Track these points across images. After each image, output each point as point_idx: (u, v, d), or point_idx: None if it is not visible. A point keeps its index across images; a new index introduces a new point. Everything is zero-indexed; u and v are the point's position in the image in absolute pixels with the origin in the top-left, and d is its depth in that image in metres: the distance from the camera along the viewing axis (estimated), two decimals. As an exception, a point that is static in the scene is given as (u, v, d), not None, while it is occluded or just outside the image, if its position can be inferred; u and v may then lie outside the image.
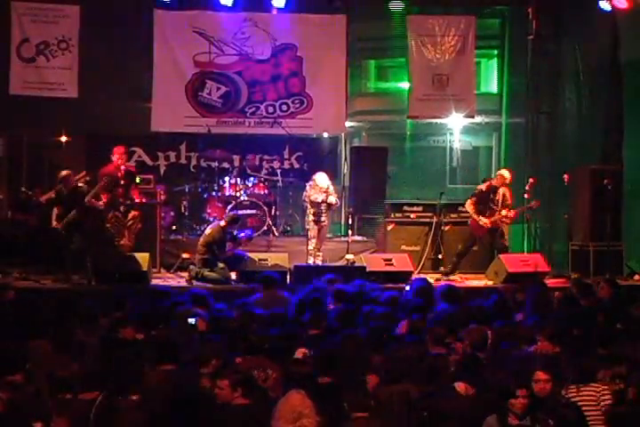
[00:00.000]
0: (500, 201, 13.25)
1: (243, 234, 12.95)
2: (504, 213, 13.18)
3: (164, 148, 15.52)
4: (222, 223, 12.56)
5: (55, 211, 12.14)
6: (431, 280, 11.79)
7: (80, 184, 12.20)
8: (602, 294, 10.13)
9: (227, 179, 14.76)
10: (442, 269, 13.80)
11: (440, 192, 14.68)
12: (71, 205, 11.94)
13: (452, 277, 13.12)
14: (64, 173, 12.20)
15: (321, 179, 13.31)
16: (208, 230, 12.65)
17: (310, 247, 13.19)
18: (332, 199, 13.36)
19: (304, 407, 4.97)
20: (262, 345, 7.02)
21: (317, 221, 13.19)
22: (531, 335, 7.55)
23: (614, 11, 14.41)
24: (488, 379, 6.26)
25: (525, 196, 13.81)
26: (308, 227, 13.34)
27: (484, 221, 13.13)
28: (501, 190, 13.34)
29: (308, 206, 13.30)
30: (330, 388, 5.87)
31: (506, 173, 13.64)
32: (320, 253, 13.29)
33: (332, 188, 13.42)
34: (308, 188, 13.41)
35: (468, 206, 13.32)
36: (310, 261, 13.13)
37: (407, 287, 10.85)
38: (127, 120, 15.58)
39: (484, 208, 13.22)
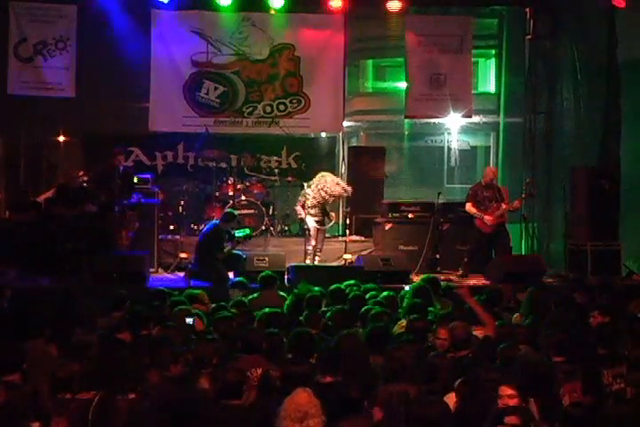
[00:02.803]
0: (495, 197, 13.22)
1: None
2: (504, 206, 13.17)
3: (162, 147, 15.49)
4: (219, 222, 12.55)
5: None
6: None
7: (84, 183, 12.23)
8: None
9: (224, 178, 14.74)
10: (439, 269, 13.83)
11: (438, 192, 14.66)
12: (73, 204, 11.96)
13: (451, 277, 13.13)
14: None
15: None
16: (205, 230, 12.64)
17: (309, 247, 13.17)
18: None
19: (310, 407, 4.95)
20: (260, 345, 7.00)
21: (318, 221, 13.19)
22: (530, 336, 7.51)
23: (612, 10, 14.40)
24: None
25: (523, 195, 13.81)
26: (310, 226, 13.25)
27: (487, 218, 13.12)
28: (493, 187, 13.34)
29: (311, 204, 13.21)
30: (333, 387, 5.86)
31: (490, 169, 13.78)
32: (320, 254, 13.27)
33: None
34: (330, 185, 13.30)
35: (469, 209, 13.30)
36: (308, 261, 13.11)
37: (407, 287, 10.83)
38: (125, 120, 15.58)
39: (483, 206, 13.21)
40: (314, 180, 13.31)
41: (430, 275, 11.09)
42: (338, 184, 13.31)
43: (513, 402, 5.57)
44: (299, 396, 5.02)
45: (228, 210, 13.29)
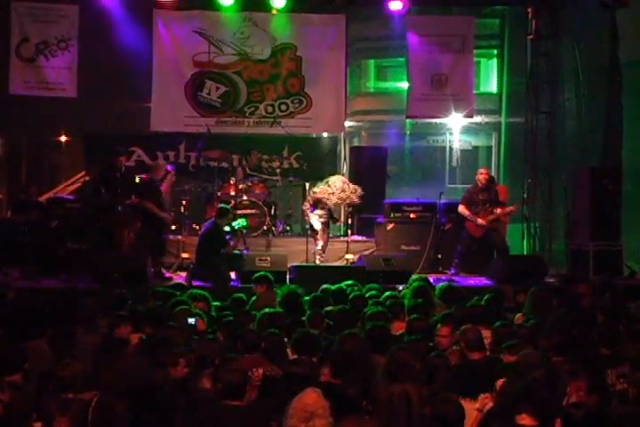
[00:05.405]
0: (490, 200, 13.18)
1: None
2: (498, 211, 13.13)
3: (164, 147, 15.48)
4: (215, 220, 12.52)
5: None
6: (430, 279, 11.74)
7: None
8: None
9: (226, 178, 14.74)
10: (440, 269, 13.81)
11: (440, 192, 14.66)
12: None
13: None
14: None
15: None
16: (203, 230, 12.63)
17: (318, 247, 13.18)
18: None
19: (317, 407, 4.94)
20: (260, 345, 7.00)
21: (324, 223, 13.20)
22: (531, 337, 7.49)
23: (614, 10, 14.40)
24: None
25: (525, 195, 13.82)
26: (317, 228, 13.23)
27: (480, 221, 13.08)
28: (490, 190, 13.30)
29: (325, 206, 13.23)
30: (332, 387, 5.86)
31: (485, 170, 13.70)
32: (323, 254, 13.29)
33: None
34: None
35: (462, 211, 13.24)
36: (317, 261, 13.12)
37: (400, 287, 10.83)
38: (126, 120, 15.61)
39: (477, 209, 13.17)
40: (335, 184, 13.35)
41: (422, 275, 11.04)
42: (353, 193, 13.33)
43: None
44: (307, 396, 5.02)
45: (221, 205, 13.23)
